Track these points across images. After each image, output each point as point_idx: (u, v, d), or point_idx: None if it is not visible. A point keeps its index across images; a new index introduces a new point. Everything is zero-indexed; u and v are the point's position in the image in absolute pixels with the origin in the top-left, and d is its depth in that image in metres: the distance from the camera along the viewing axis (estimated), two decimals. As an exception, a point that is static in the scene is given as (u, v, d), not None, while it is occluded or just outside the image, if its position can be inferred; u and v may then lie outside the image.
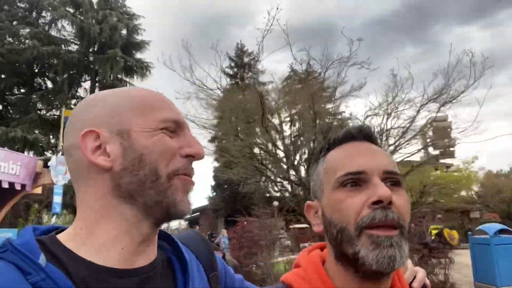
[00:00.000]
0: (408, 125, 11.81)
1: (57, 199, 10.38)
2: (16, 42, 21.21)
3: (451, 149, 15.83)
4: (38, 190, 10.81)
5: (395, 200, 0.72)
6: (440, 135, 13.56)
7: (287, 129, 14.28)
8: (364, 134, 0.84)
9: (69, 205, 16.49)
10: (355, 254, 0.72)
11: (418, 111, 11.83)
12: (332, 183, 0.78)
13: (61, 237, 0.65)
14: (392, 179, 0.76)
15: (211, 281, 0.79)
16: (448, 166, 23.16)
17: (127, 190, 0.65)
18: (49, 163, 10.64)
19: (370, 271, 0.71)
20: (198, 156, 0.70)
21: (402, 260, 0.71)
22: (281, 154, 13.18)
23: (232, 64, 30.38)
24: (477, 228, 9.17)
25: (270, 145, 13.14)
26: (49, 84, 22.24)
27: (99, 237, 0.64)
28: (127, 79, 22.97)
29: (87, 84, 22.79)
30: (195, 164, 0.73)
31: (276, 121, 13.67)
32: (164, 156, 0.66)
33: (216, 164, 23.57)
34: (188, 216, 0.75)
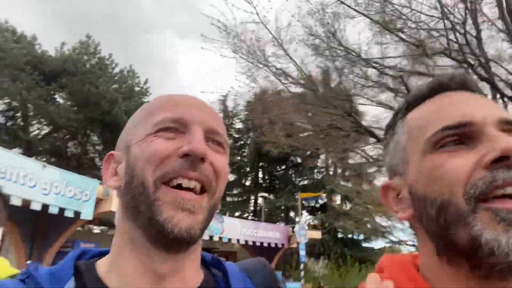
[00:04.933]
0: None
1: (302, 252, 16.37)
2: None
3: None
4: (293, 245, 17.33)
5: None
6: None
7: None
8: (459, 82, 0.60)
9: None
10: (474, 239, 0.48)
11: None
12: (421, 146, 0.55)
13: (100, 262, 0.63)
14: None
15: None
16: None
17: (130, 209, 0.60)
18: (294, 229, 17.07)
19: (502, 264, 0.46)
20: (193, 154, 0.57)
21: None
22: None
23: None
24: None
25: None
26: (299, 160, 30.38)
27: (121, 267, 0.59)
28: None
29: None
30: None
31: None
32: (151, 161, 0.58)
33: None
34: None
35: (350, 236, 25.88)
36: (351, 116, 9.58)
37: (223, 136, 0.65)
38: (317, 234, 19.17)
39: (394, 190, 0.62)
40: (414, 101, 0.62)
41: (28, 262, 1.67)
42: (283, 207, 26.21)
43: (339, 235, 25.72)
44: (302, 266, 16.69)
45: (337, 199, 26.89)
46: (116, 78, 23.54)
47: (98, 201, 10.77)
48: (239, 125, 32.72)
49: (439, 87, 0.60)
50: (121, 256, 0.60)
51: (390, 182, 0.63)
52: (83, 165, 22.77)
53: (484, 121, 0.53)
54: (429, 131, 0.56)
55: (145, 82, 25.11)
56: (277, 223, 24.38)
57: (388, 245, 23.32)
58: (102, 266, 0.62)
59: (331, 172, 28.62)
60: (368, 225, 25.34)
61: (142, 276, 0.58)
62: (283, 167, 30.59)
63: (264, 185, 29.87)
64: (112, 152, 0.66)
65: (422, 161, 0.55)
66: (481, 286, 0.50)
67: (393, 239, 22.87)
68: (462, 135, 0.53)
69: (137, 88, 24.50)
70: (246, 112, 32.06)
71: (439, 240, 0.54)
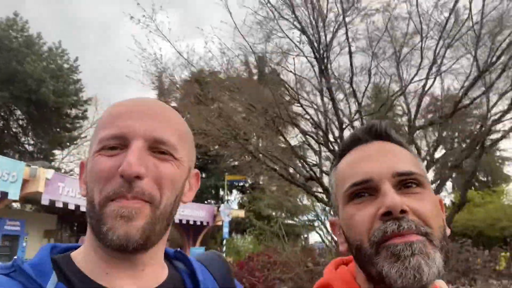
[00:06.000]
0: None
1: (225, 229, 17.99)
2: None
3: None
4: (219, 223, 18.90)
5: (413, 206, 0.66)
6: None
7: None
8: (374, 134, 0.76)
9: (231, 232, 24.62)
10: (380, 273, 0.64)
11: None
12: (342, 197, 0.74)
13: (74, 255, 0.66)
14: (407, 181, 0.69)
15: None
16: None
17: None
18: (220, 209, 18.63)
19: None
20: (125, 175, 0.59)
21: (431, 271, 0.61)
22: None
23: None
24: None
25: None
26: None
27: (91, 260, 0.63)
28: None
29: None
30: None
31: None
32: (97, 181, 0.61)
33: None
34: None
35: (273, 213, 28.00)
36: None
37: (169, 143, 0.64)
38: (241, 213, 20.90)
39: (336, 225, 0.79)
40: (343, 151, 0.79)
41: (15, 257, 0.67)
42: (213, 186, 27.58)
43: (263, 213, 27.76)
44: (224, 241, 18.36)
45: (265, 179, 28.64)
46: (44, 56, 22.64)
47: (25, 182, 11.34)
48: (174, 104, 32.85)
49: (356, 141, 0.77)
50: (93, 252, 0.64)
51: (333, 219, 0.80)
52: (4, 140, 22.11)
53: (380, 177, 0.68)
54: (344, 186, 0.73)
55: (75, 60, 24.50)
56: (207, 201, 25.75)
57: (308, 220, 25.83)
58: (78, 258, 0.65)
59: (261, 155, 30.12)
60: (290, 204, 27.69)
61: (104, 267, 0.63)
62: (216, 146, 31.33)
63: (197, 163, 30.64)
64: (83, 160, 0.70)
65: (343, 209, 0.73)
66: None
67: (312, 217, 25.24)
68: (366, 189, 0.70)
69: (66, 66, 23.82)
70: (183, 90, 31.93)
71: (364, 272, 0.70)
